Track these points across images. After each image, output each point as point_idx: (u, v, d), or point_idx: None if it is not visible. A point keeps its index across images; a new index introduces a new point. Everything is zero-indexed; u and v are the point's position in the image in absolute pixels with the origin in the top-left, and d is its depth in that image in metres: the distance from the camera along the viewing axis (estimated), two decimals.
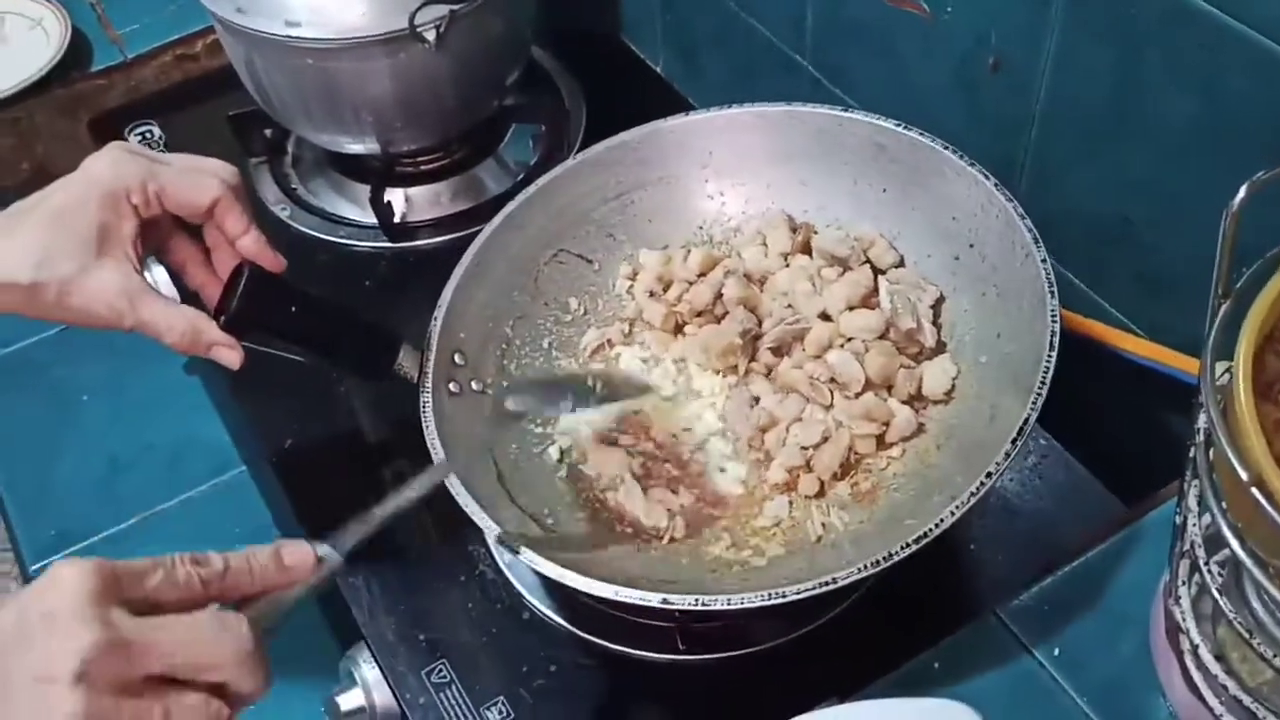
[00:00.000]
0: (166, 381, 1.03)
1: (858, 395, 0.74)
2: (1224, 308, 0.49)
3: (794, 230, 0.82)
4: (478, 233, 0.82)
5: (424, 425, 0.71)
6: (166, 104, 1.15)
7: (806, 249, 0.82)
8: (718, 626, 0.72)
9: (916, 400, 0.75)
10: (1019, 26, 0.74)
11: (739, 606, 0.61)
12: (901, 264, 0.80)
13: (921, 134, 0.77)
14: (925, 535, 0.60)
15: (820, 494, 0.73)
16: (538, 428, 0.79)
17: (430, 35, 0.89)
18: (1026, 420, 0.63)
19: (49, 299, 0.66)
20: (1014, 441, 0.62)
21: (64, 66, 1.16)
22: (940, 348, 0.76)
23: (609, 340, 0.83)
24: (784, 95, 0.84)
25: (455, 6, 0.88)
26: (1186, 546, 0.55)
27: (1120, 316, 0.79)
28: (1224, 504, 0.48)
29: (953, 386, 0.74)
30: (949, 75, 0.82)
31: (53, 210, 0.67)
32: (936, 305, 0.77)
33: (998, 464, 0.62)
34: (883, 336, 0.76)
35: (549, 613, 0.75)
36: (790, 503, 0.73)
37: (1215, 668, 0.55)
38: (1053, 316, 0.66)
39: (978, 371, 0.73)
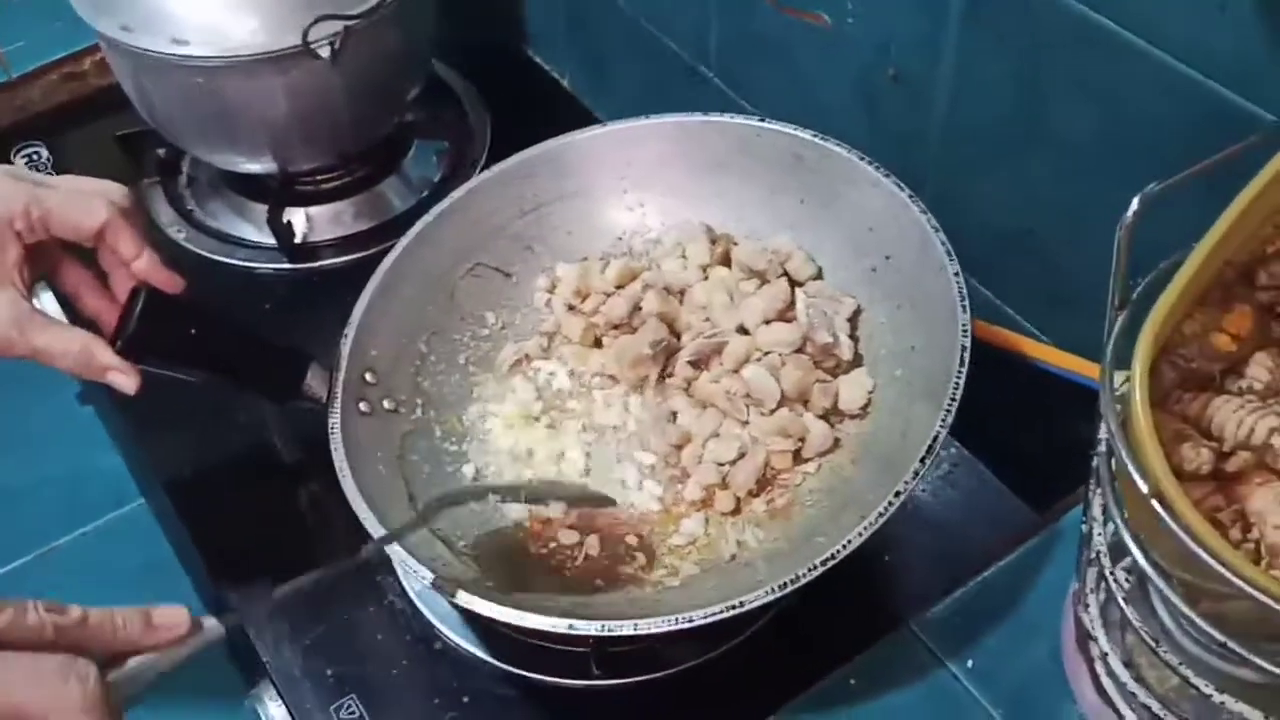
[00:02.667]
0: (61, 412, 0.99)
1: (773, 411, 0.74)
2: (1121, 318, 0.49)
3: (713, 242, 0.82)
4: (383, 251, 0.80)
5: (332, 447, 0.70)
6: (54, 124, 1.12)
7: (726, 261, 0.81)
8: (633, 650, 0.71)
9: (833, 414, 0.74)
10: (917, 38, 0.74)
11: (646, 632, 0.60)
12: (819, 276, 0.80)
13: (838, 144, 0.77)
14: (832, 557, 0.60)
15: (736, 511, 0.72)
16: (451, 446, 0.77)
17: (325, 51, 0.87)
18: (936, 436, 0.63)
19: None
20: (923, 460, 0.62)
21: None
22: (857, 361, 0.76)
23: (527, 355, 0.81)
24: (691, 108, 0.84)
25: (350, 21, 0.86)
26: (1093, 555, 0.55)
27: (1029, 326, 0.79)
28: (1126, 514, 0.49)
29: (869, 400, 0.74)
30: (851, 86, 0.82)
31: None
32: (854, 318, 0.77)
33: (906, 483, 0.62)
34: (800, 350, 0.75)
35: (461, 642, 0.73)
36: (706, 520, 0.72)
37: (1124, 675, 0.55)
38: (964, 331, 0.66)
39: (893, 385, 0.73)
